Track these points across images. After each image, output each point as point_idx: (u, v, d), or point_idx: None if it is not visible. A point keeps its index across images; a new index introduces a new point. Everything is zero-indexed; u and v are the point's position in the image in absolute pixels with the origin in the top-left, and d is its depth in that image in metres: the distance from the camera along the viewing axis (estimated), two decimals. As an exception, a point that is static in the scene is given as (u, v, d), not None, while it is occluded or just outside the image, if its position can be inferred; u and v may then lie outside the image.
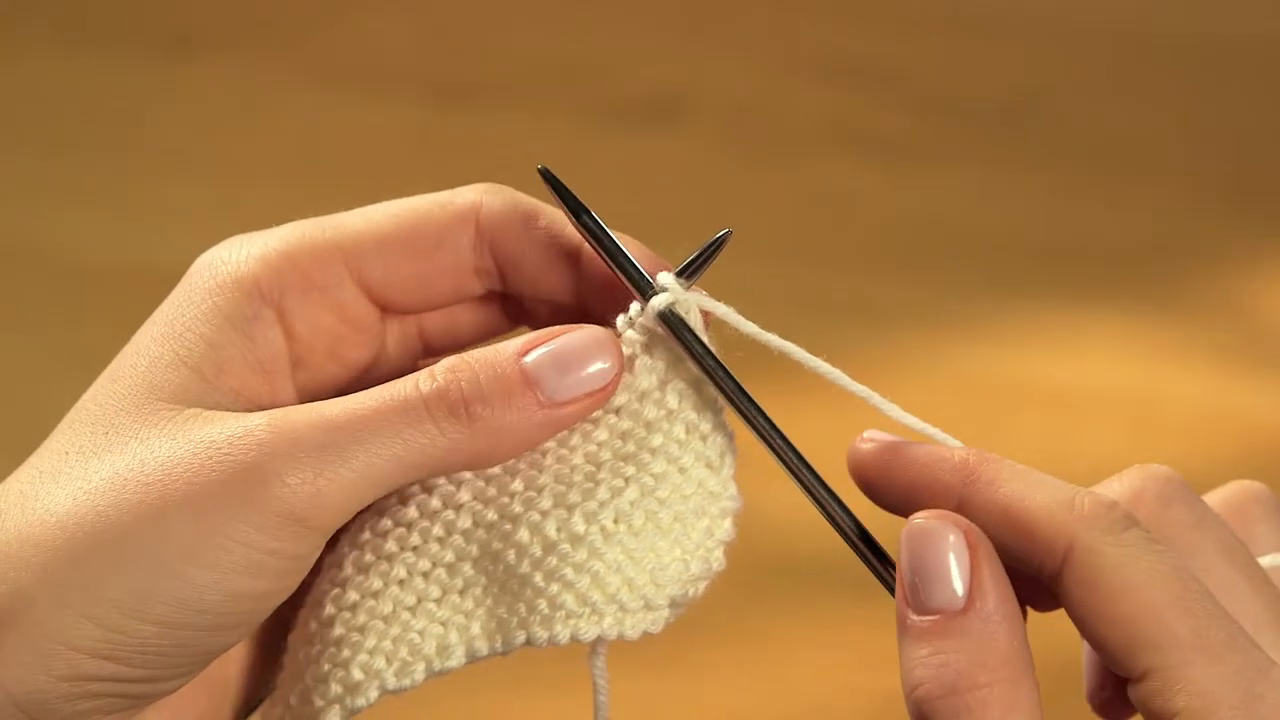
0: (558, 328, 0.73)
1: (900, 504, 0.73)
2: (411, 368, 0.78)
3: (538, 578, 0.72)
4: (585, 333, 0.73)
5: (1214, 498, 0.78)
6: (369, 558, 0.73)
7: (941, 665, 0.68)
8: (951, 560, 0.69)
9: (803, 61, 2.09)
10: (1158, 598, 0.68)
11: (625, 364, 0.74)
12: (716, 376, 0.73)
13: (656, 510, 0.73)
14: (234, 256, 0.75)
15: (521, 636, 0.73)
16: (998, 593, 0.69)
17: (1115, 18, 2.14)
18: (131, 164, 1.97)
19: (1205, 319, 1.83)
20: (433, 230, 0.75)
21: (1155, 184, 1.98)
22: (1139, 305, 1.84)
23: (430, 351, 0.79)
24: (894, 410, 0.75)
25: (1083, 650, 0.74)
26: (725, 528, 0.75)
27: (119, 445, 0.71)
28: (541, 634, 0.72)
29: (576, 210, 0.75)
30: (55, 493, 0.70)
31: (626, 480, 0.73)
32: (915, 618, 0.69)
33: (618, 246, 0.74)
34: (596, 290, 0.76)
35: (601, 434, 0.74)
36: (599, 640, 0.73)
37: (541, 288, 0.76)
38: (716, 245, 0.75)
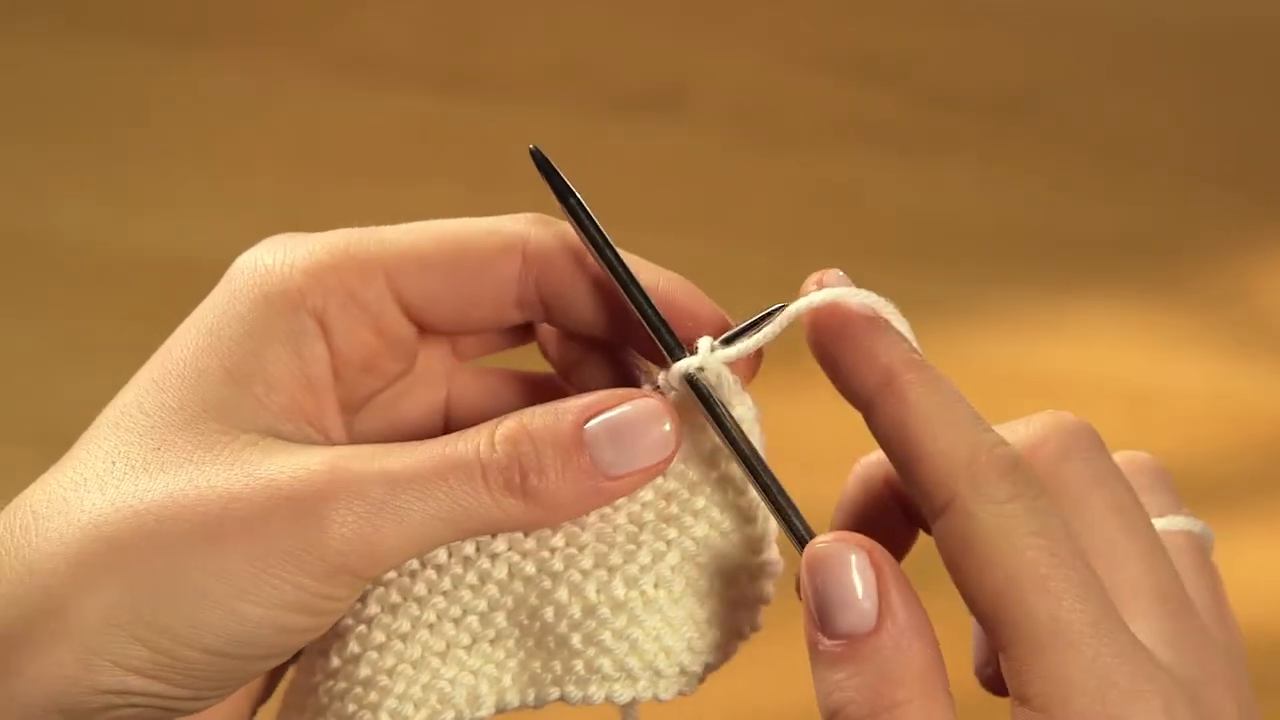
0: (617, 393, 0.72)
1: (835, 380, 0.72)
2: (441, 377, 0.78)
3: (575, 639, 0.72)
4: (646, 405, 0.72)
5: None
6: (396, 597, 0.73)
7: (858, 688, 0.67)
8: (857, 582, 0.68)
9: (805, 53, 2.09)
10: (1024, 575, 0.67)
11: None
12: (735, 447, 0.72)
13: (697, 576, 0.73)
14: (278, 265, 0.73)
15: (555, 693, 0.72)
16: (907, 609, 0.68)
17: (1116, 9, 2.14)
18: (134, 153, 1.97)
19: (1206, 308, 1.83)
20: (477, 257, 0.74)
21: (1156, 174, 1.98)
22: (1140, 295, 1.84)
23: (459, 357, 0.79)
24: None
25: (972, 623, 0.73)
26: (765, 591, 0.74)
27: (172, 465, 0.70)
28: (576, 694, 0.72)
29: (600, 245, 0.73)
30: (102, 504, 0.69)
31: (668, 544, 0.73)
32: (827, 642, 0.68)
33: (648, 302, 0.73)
34: (643, 333, 0.74)
35: (647, 494, 0.73)
36: (633, 701, 0.73)
37: (585, 325, 0.75)
38: (765, 317, 0.73)
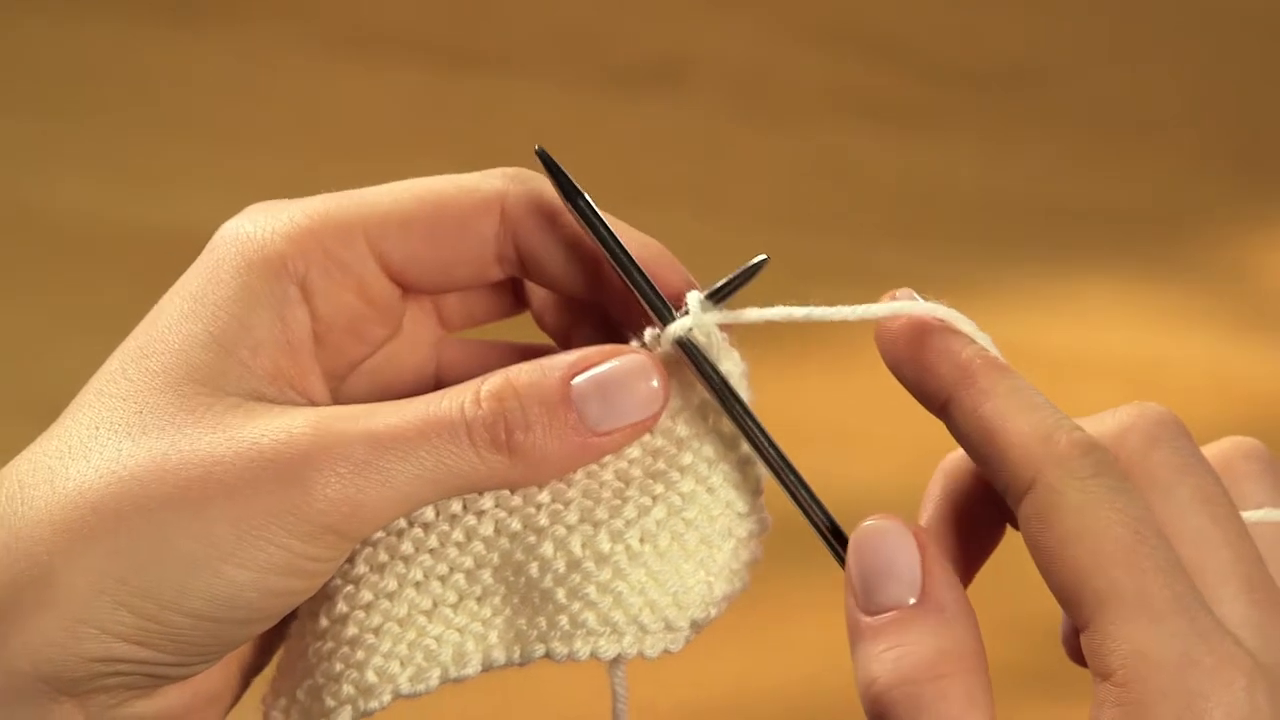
0: (604, 349, 0.72)
1: (910, 383, 0.73)
2: (428, 345, 0.78)
3: (560, 594, 0.72)
4: (634, 361, 0.72)
5: (1205, 451, 0.76)
6: (383, 556, 0.73)
7: (899, 657, 0.67)
8: (902, 559, 0.68)
9: (806, 27, 2.08)
10: (1109, 548, 0.67)
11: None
12: (728, 405, 0.72)
13: (683, 531, 0.73)
14: (260, 232, 0.74)
15: (540, 650, 0.72)
16: (951, 589, 0.68)
17: (1118, -18, 2.14)
18: (135, 129, 1.97)
19: (1208, 283, 1.83)
20: (457, 215, 0.74)
21: (1158, 149, 1.97)
22: (1142, 270, 1.84)
23: (446, 326, 0.79)
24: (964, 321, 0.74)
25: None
26: (752, 549, 0.74)
27: (155, 428, 0.70)
28: (561, 649, 0.72)
29: (594, 224, 0.73)
30: (86, 471, 0.70)
31: (654, 498, 0.73)
32: (868, 619, 0.68)
33: (635, 267, 0.73)
34: (620, 289, 0.75)
35: (634, 450, 0.73)
36: (619, 657, 0.73)
37: (563, 282, 0.76)
38: (751, 271, 0.74)
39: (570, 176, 0.74)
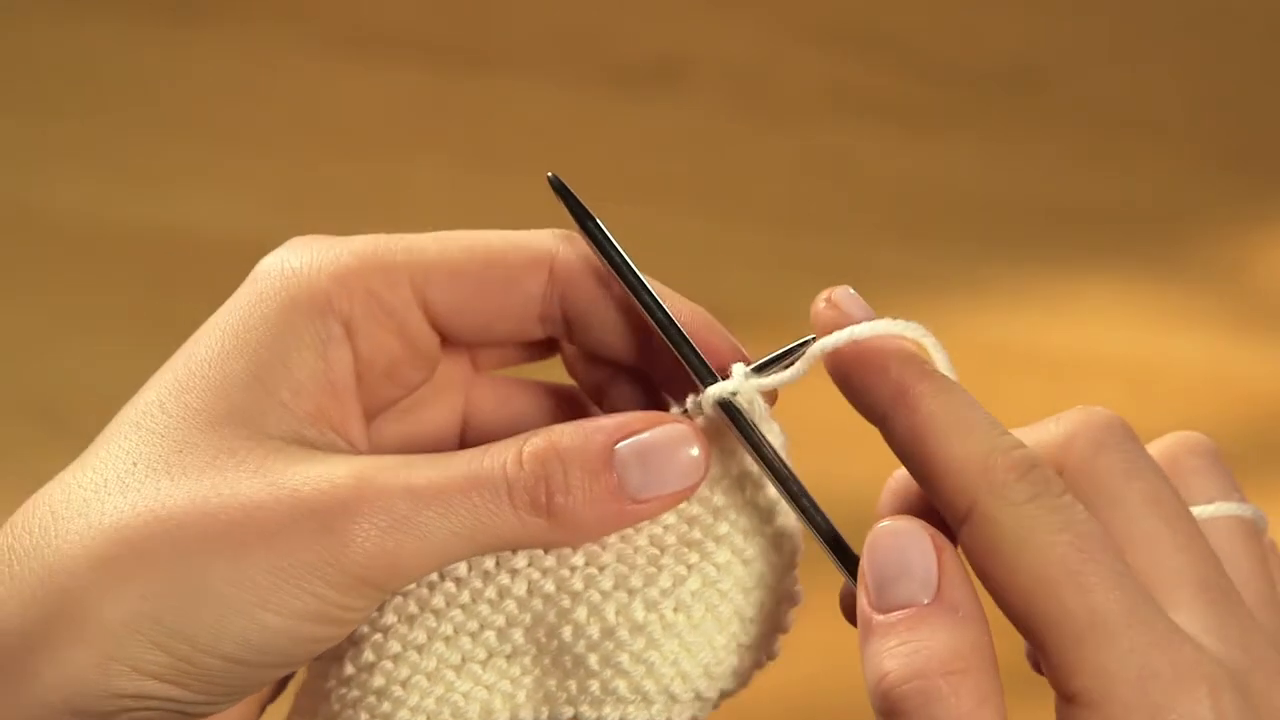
0: (648, 416, 0.72)
1: (851, 399, 0.72)
2: (458, 384, 0.78)
3: (592, 660, 0.71)
4: (676, 429, 0.71)
5: (1150, 450, 0.75)
6: (413, 608, 0.72)
7: (911, 653, 0.66)
8: (917, 558, 0.68)
9: (806, 26, 2.09)
10: (1053, 572, 0.66)
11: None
12: (769, 467, 0.72)
13: (717, 603, 0.72)
14: (305, 268, 0.73)
15: (569, 713, 0.72)
16: (963, 589, 0.68)
17: (1117, -18, 2.14)
18: (134, 128, 1.97)
19: (1207, 283, 1.83)
20: (504, 270, 0.74)
21: (1157, 148, 1.97)
22: (1140, 269, 1.84)
23: (477, 368, 0.78)
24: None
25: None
26: (784, 622, 0.74)
27: (195, 469, 0.70)
28: (590, 714, 0.72)
29: (622, 269, 0.73)
30: (123, 507, 0.69)
31: (689, 568, 0.72)
32: (881, 616, 0.68)
33: (675, 327, 0.73)
34: (668, 361, 0.74)
35: (669, 517, 0.73)
36: None
37: (607, 347, 0.75)
38: (798, 348, 0.73)
39: (583, 202, 0.74)
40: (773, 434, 0.73)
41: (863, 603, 0.68)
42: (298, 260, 0.73)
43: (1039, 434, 0.72)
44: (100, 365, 1.66)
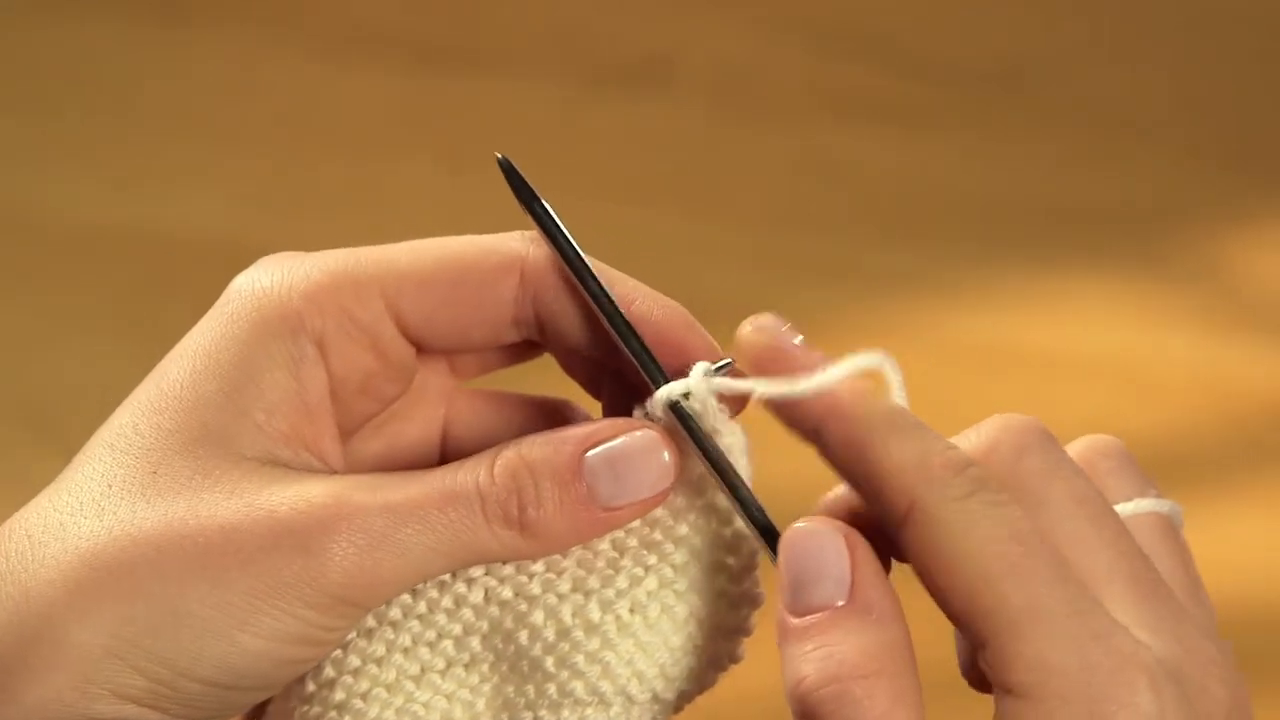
0: (616, 423, 0.72)
1: (777, 412, 0.71)
2: (438, 395, 0.77)
3: (549, 662, 0.71)
4: (645, 436, 0.71)
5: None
6: (371, 622, 0.72)
7: (825, 657, 0.66)
8: (831, 560, 0.68)
9: (792, 25, 2.09)
10: (993, 565, 0.66)
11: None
12: (720, 474, 0.71)
13: (673, 604, 0.72)
14: (276, 287, 0.72)
15: (528, 718, 0.72)
16: (879, 589, 0.68)
17: (1105, -19, 2.14)
18: (123, 129, 1.97)
19: (1195, 282, 1.83)
20: (476, 277, 0.73)
21: (1146, 147, 1.98)
22: (1129, 268, 1.84)
23: (458, 375, 0.78)
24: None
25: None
26: (746, 623, 0.73)
27: (170, 490, 0.70)
28: (548, 718, 0.72)
29: (572, 261, 0.72)
30: (99, 531, 0.69)
31: (646, 569, 0.72)
32: (796, 620, 0.68)
33: (628, 328, 0.72)
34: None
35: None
36: None
37: (579, 346, 0.74)
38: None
39: (529, 182, 0.73)
40: (732, 435, 0.72)
41: (780, 607, 0.68)
42: (269, 279, 0.73)
43: (960, 443, 0.72)
44: (89, 367, 1.66)
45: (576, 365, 0.77)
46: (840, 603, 0.68)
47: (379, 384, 0.75)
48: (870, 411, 0.70)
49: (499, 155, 0.74)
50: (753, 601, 0.73)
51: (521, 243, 0.74)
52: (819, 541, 0.69)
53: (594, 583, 0.72)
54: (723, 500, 0.73)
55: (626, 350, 0.73)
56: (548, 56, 2.04)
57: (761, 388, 0.71)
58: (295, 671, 0.71)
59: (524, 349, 0.77)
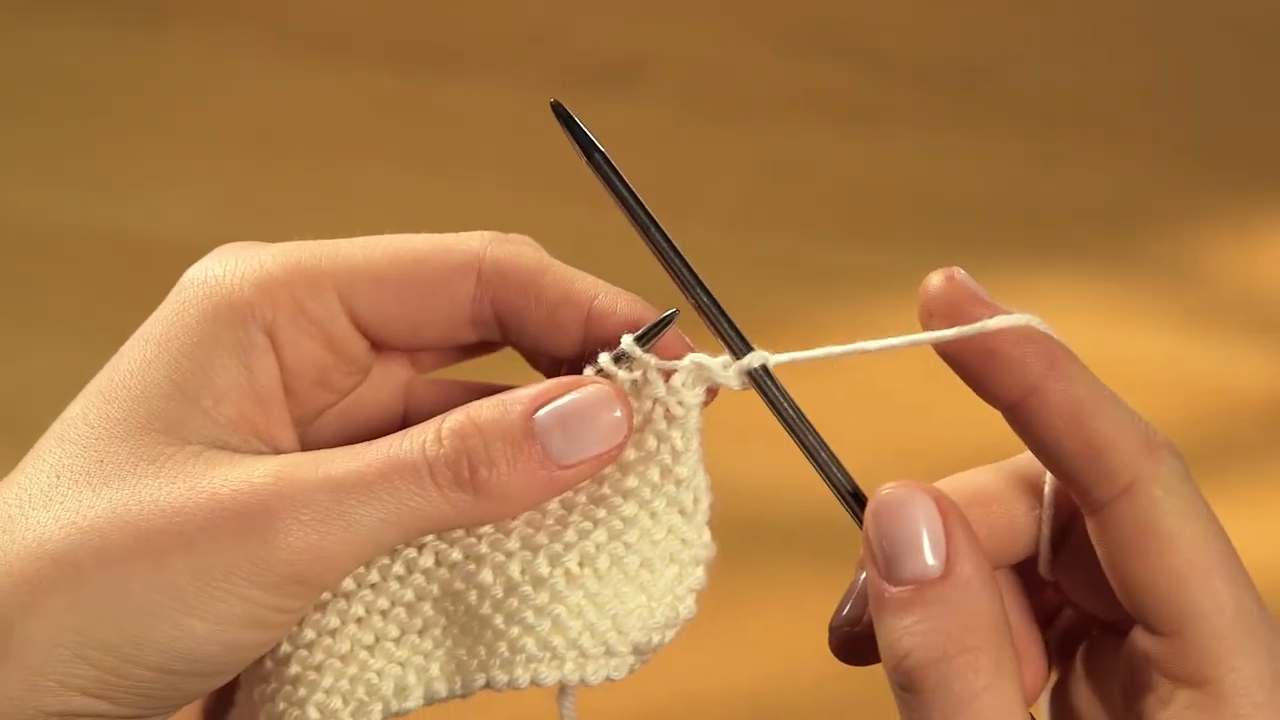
0: (565, 381, 0.72)
1: (974, 373, 0.71)
2: (397, 385, 0.77)
3: (498, 620, 0.71)
4: (596, 392, 0.71)
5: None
6: (325, 595, 0.72)
7: (928, 632, 0.67)
8: (924, 529, 0.68)
9: (761, 26, 2.09)
10: (1207, 560, 0.67)
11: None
12: (799, 431, 0.72)
13: (623, 555, 0.72)
14: (228, 276, 0.73)
15: (481, 679, 0.72)
16: (974, 559, 0.68)
17: (1073, -19, 2.15)
18: (96, 130, 1.97)
19: (1165, 280, 1.84)
20: (431, 275, 0.73)
21: (1115, 145, 1.98)
22: (1098, 266, 1.84)
23: (418, 368, 0.78)
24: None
25: (856, 574, 0.73)
26: (696, 575, 0.73)
27: (115, 478, 0.69)
28: (501, 677, 0.71)
29: (614, 182, 0.72)
30: (46, 521, 0.69)
31: (595, 522, 0.72)
32: (892, 589, 0.68)
33: (705, 292, 0.73)
34: (609, 344, 0.74)
35: None
36: (562, 685, 0.72)
37: (543, 345, 0.75)
38: (665, 322, 0.73)
39: (588, 130, 0.73)
40: (696, 398, 0.72)
41: (872, 573, 0.68)
42: (221, 269, 0.73)
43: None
44: (61, 369, 1.65)
45: (541, 358, 0.77)
46: (938, 573, 0.68)
47: (334, 376, 0.75)
48: (1086, 376, 0.69)
49: (554, 101, 0.74)
50: (705, 554, 0.74)
51: (480, 242, 0.74)
52: (911, 509, 0.68)
53: (542, 538, 0.72)
54: (669, 454, 0.73)
55: (705, 314, 0.73)
56: (520, 58, 2.04)
57: (820, 353, 0.71)
58: (247, 657, 0.70)
59: (483, 345, 0.77)
